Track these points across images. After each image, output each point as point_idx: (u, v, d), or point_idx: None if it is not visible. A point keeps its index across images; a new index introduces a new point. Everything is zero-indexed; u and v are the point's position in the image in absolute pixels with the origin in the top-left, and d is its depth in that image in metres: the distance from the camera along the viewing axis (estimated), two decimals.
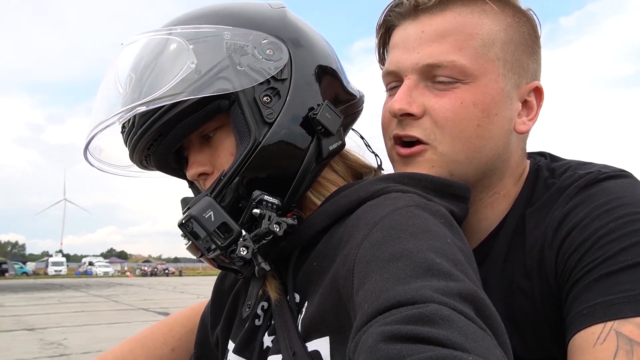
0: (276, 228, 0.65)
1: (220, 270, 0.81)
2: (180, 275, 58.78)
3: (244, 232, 0.65)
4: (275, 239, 0.65)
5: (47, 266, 64.13)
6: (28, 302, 18.06)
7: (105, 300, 18.06)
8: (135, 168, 0.78)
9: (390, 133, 0.77)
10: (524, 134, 0.79)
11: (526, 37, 0.77)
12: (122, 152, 0.75)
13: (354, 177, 0.79)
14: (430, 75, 0.73)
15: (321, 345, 0.60)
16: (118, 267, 71.71)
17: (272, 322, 0.71)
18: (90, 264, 65.53)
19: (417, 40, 0.74)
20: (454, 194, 0.70)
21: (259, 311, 0.76)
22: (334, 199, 0.70)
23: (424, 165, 0.73)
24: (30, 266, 66.73)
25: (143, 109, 0.64)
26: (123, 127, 0.72)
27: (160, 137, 0.68)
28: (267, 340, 0.71)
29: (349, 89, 0.78)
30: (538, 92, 0.78)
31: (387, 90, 0.81)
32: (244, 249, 0.64)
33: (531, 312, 0.73)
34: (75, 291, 25.28)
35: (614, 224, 0.64)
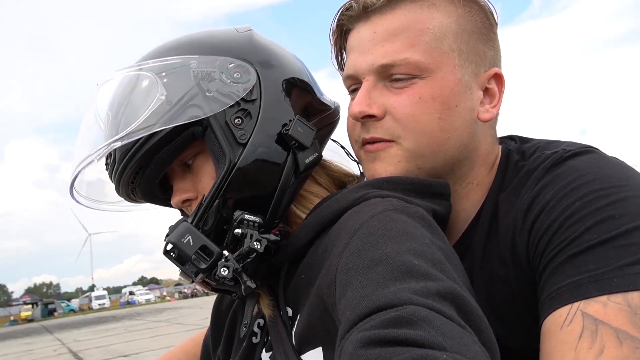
0: (257, 245, 0.66)
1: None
2: None
3: (225, 253, 0.67)
4: (259, 256, 0.67)
5: (90, 301, 66.00)
6: (97, 334, 18.88)
7: (169, 324, 18.84)
8: (126, 202, 0.81)
9: (355, 136, 0.79)
10: (490, 121, 0.79)
11: (479, 26, 0.77)
12: (109, 188, 0.77)
13: (337, 186, 0.81)
14: (386, 74, 0.74)
15: (315, 356, 0.62)
16: (157, 293, 73.25)
17: (269, 338, 0.72)
18: (131, 293, 67.17)
19: (370, 42, 0.75)
20: (434, 193, 0.71)
21: (256, 329, 0.78)
22: (316, 211, 0.72)
23: (391, 160, 0.74)
24: (74, 303, 68.74)
25: (119, 144, 0.66)
26: (107, 164, 0.74)
27: (142, 169, 0.70)
28: (265, 357, 0.73)
29: (323, 101, 0.81)
30: (498, 78, 0.78)
31: (349, 94, 0.82)
32: (224, 269, 0.65)
33: (510, 300, 0.73)
34: (132, 320, 26.15)
35: (579, 203, 0.64)
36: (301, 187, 0.76)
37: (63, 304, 62.71)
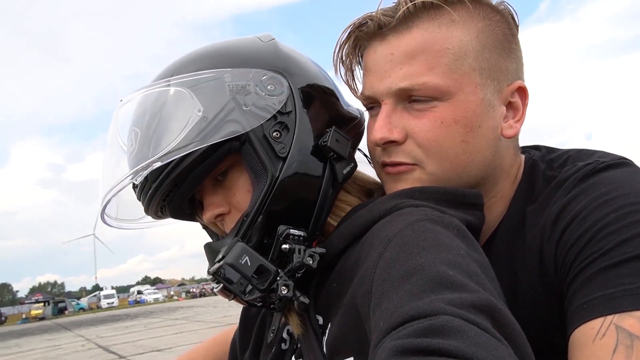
0: (310, 261, 0.66)
1: None
2: None
3: (280, 271, 0.66)
4: (309, 271, 0.67)
5: (98, 300, 66.55)
6: (119, 331, 19.13)
7: (188, 322, 19.05)
8: (148, 219, 0.79)
9: (377, 159, 0.77)
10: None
11: (501, 39, 0.74)
12: (134, 205, 0.75)
13: (366, 194, 0.80)
14: (406, 97, 0.72)
15: None
16: (164, 292, 73.68)
17: (299, 345, 0.71)
18: (139, 292, 67.66)
19: (387, 64, 0.73)
20: (467, 203, 0.69)
21: (285, 335, 0.77)
22: (349, 220, 0.71)
23: (414, 183, 0.73)
24: (82, 302, 69.31)
25: (159, 164, 0.64)
26: (134, 183, 0.72)
27: (176, 187, 0.69)
28: None
29: (350, 111, 0.80)
30: (522, 91, 0.76)
31: (367, 110, 0.81)
32: (284, 288, 0.65)
33: (537, 310, 0.71)
34: (148, 318, 26.43)
35: (614, 215, 0.63)
36: (337, 198, 0.75)
37: (73, 302, 63.43)
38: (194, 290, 63.20)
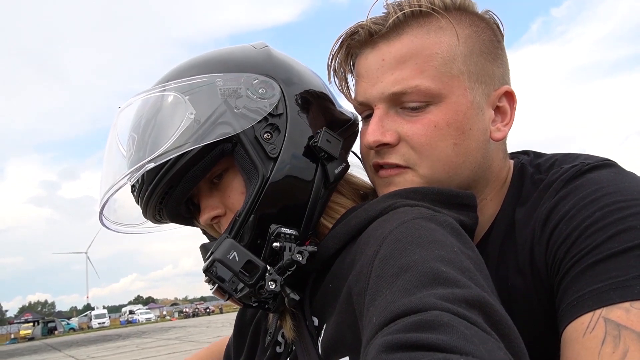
0: (299, 257, 0.67)
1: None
2: (221, 312, 59.36)
3: (268, 267, 0.67)
4: (299, 268, 0.68)
5: (89, 320, 65.41)
6: (109, 351, 18.81)
7: (181, 342, 18.78)
8: (148, 224, 0.81)
9: (369, 162, 0.79)
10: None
11: (487, 44, 0.76)
12: (134, 211, 0.77)
13: (360, 198, 0.82)
14: (398, 101, 0.74)
15: None
16: (157, 312, 72.63)
17: (293, 347, 0.72)
18: (131, 312, 66.59)
19: (379, 70, 0.75)
20: (461, 204, 0.71)
21: (280, 338, 0.78)
22: (344, 221, 0.72)
23: (406, 186, 0.74)
24: (73, 321, 68.09)
25: (151, 165, 0.66)
26: (133, 186, 0.75)
27: (171, 189, 0.71)
28: None
29: (343, 112, 0.82)
30: (509, 96, 0.78)
31: (362, 120, 0.83)
32: (272, 282, 0.66)
33: (529, 310, 0.73)
34: (140, 338, 26.04)
35: (600, 213, 0.65)
36: (330, 199, 0.76)
37: (63, 322, 62.17)
38: (187, 310, 62.38)
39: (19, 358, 22.54)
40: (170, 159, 0.67)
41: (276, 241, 0.68)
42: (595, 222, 0.65)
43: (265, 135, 0.70)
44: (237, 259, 0.66)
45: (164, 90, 0.71)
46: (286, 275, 0.68)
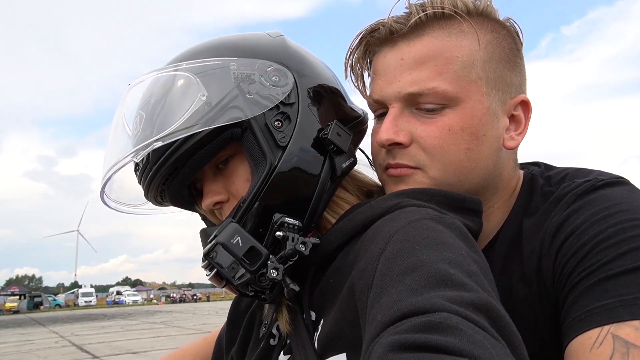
0: (302, 248, 0.66)
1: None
2: (208, 300, 59.45)
3: (270, 255, 0.67)
4: (301, 259, 0.67)
5: (76, 297, 65.40)
6: (94, 330, 18.87)
7: (166, 327, 18.81)
8: (149, 205, 0.80)
9: (380, 161, 0.78)
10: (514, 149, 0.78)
11: (507, 52, 0.76)
12: (134, 191, 0.75)
13: (365, 195, 0.80)
14: (414, 102, 0.73)
15: None
16: (144, 295, 72.64)
17: (288, 341, 0.71)
18: (118, 293, 66.59)
19: (397, 69, 0.74)
20: (467, 208, 0.70)
21: (274, 331, 0.77)
22: (349, 216, 0.71)
23: (415, 186, 0.74)
24: (60, 298, 68.06)
25: (159, 144, 0.65)
26: (136, 165, 0.73)
27: (176, 170, 0.70)
28: (283, 359, 0.72)
29: (353, 108, 0.82)
30: (525, 105, 0.78)
31: (375, 117, 0.82)
32: (274, 270, 0.65)
33: (532, 320, 0.73)
34: (125, 320, 26.08)
35: (613, 229, 0.64)
36: (335, 193, 0.76)
37: (50, 298, 62.19)
38: (174, 295, 62.21)
39: (3, 330, 22.56)
40: (178, 140, 0.66)
41: (279, 230, 0.68)
42: (607, 239, 0.64)
43: (275, 123, 0.69)
44: (241, 244, 0.66)
45: (176, 70, 0.70)
46: (287, 265, 0.67)
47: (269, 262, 0.66)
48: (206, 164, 0.72)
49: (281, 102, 0.70)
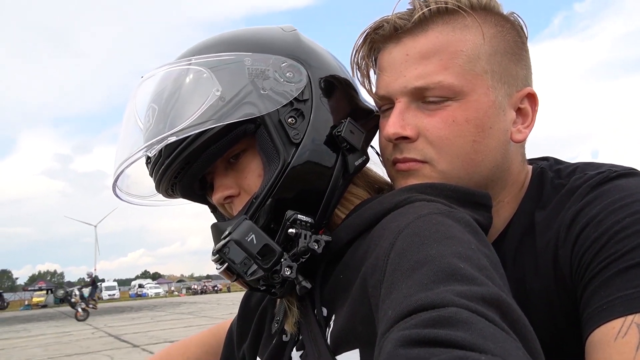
0: (315, 246, 0.66)
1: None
2: (229, 291, 60.06)
3: (284, 254, 0.66)
4: (314, 257, 0.67)
5: (100, 291, 66.79)
6: (126, 322, 19.26)
7: (195, 317, 19.10)
8: (158, 197, 0.80)
9: (388, 156, 0.78)
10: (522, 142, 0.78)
11: (512, 45, 0.76)
12: (144, 182, 0.76)
13: (375, 191, 0.80)
14: (420, 96, 0.74)
15: (351, 358, 0.61)
16: (165, 287, 73.86)
17: (300, 337, 0.71)
18: (140, 286, 67.79)
19: (402, 64, 0.75)
20: (477, 202, 0.70)
21: (287, 327, 0.76)
22: (358, 211, 0.71)
23: (423, 180, 0.73)
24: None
25: (173, 139, 0.65)
26: (148, 158, 0.73)
27: (188, 165, 0.70)
28: (296, 356, 0.72)
29: (367, 105, 0.81)
30: (532, 97, 0.78)
31: (381, 113, 0.82)
32: (288, 268, 0.65)
33: (548, 312, 0.72)
34: (153, 311, 26.57)
35: (630, 219, 0.64)
36: (346, 190, 0.76)
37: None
38: (195, 286, 63.14)
39: (37, 323, 23.25)
40: (191, 135, 0.67)
41: (292, 227, 0.68)
42: (625, 228, 0.64)
43: (289, 119, 0.70)
44: (255, 242, 0.66)
45: (190, 64, 0.70)
46: (299, 262, 0.68)
47: (282, 260, 0.67)
48: (218, 158, 0.72)
49: (295, 99, 0.70)
